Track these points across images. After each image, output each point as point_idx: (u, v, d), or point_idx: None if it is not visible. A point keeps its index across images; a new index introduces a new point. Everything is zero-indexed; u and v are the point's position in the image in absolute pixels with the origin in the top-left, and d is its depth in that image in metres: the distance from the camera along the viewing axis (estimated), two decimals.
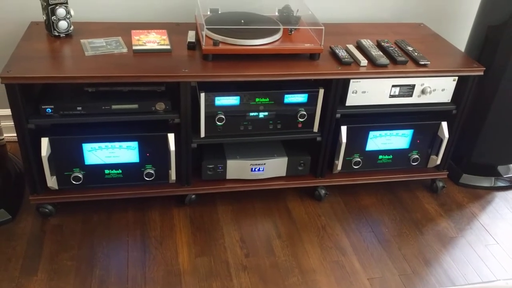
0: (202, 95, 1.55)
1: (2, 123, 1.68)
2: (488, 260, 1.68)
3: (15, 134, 1.48)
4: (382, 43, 1.75)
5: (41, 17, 1.63)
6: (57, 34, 1.60)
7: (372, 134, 1.76)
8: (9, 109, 1.43)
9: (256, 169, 1.74)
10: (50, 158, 1.53)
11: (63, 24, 1.58)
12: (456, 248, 1.73)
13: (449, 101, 1.76)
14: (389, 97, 1.70)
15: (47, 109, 1.47)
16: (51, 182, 1.57)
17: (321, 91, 1.63)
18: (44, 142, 1.51)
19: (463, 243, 1.75)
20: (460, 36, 2.11)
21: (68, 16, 1.60)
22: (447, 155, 1.87)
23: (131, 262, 1.55)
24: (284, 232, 1.73)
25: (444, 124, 1.79)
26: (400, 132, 1.79)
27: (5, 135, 1.72)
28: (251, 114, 1.63)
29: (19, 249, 1.56)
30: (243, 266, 1.58)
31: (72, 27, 1.63)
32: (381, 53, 1.68)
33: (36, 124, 1.48)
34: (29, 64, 1.45)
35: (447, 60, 1.74)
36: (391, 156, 1.83)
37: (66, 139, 1.54)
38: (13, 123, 1.45)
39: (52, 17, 1.57)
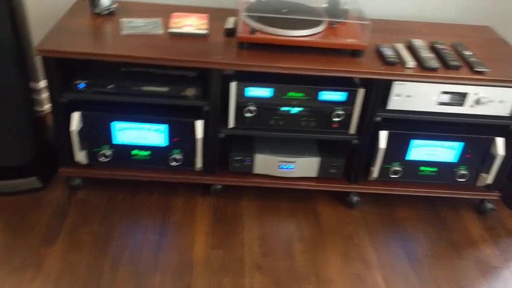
0: (233, 84, 1.50)
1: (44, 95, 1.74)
2: None
3: None
4: (436, 45, 1.60)
5: None
6: (98, 11, 1.62)
7: (414, 142, 1.62)
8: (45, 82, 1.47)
9: (285, 167, 1.67)
10: (80, 134, 1.56)
11: (104, 2, 1.60)
12: (498, 279, 1.55)
13: (509, 114, 1.57)
14: (438, 105, 1.55)
15: (80, 85, 1.49)
16: (79, 156, 1.60)
17: (361, 91, 1.52)
18: (76, 116, 1.53)
19: (507, 275, 1.56)
20: None
21: None
22: (502, 174, 1.68)
23: (146, 245, 1.54)
24: (307, 236, 1.64)
25: (500, 140, 1.60)
26: (448, 143, 1.63)
27: (46, 106, 1.77)
28: (284, 108, 1.55)
29: (44, 218, 1.60)
30: (258, 265, 1.52)
31: (115, 5, 1.64)
32: (432, 55, 1.53)
33: (68, 99, 1.51)
34: (64, 39, 1.47)
35: (510, 69, 1.56)
36: (435, 169, 1.68)
37: (97, 115, 1.55)
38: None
39: None
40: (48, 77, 1.45)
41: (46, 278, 1.41)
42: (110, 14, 1.64)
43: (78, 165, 1.64)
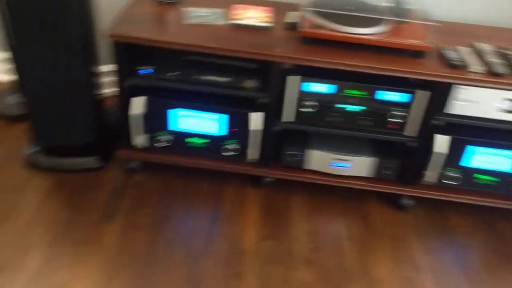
0: (291, 78, 1.51)
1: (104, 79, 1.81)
2: None
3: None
4: (503, 50, 1.56)
5: None
6: (161, 0, 1.67)
7: (471, 149, 1.58)
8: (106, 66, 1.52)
9: (337, 164, 1.67)
10: (141, 118, 1.61)
11: None
12: None
13: None
14: (500, 111, 1.51)
15: (145, 70, 1.55)
16: (137, 140, 1.65)
17: (421, 93, 1.51)
18: (141, 100, 1.58)
19: None
20: None
21: None
22: None
23: (198, 232, 1.58)
24: (357, 235, 1.63)
25: None
26: (508, 153, 1.58)
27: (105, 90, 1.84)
28: (341, 105, 1.56)
29: (102, 197, 1.66)
30: (307, 260, 1.53)
31: None
32: (498, 60, 1.50)
33: (133, 83, 1.56)
34: (131, 26, 1.52)
35: None
36: (492, 178, 1.63)
37: (161, 101, 1.59)
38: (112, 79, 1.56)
39: None
40: (117, 61, 1.51)
41: (105, 254, 1.47)
42: (173, 3, 1.68)
43: (136, 148, 1.69)
